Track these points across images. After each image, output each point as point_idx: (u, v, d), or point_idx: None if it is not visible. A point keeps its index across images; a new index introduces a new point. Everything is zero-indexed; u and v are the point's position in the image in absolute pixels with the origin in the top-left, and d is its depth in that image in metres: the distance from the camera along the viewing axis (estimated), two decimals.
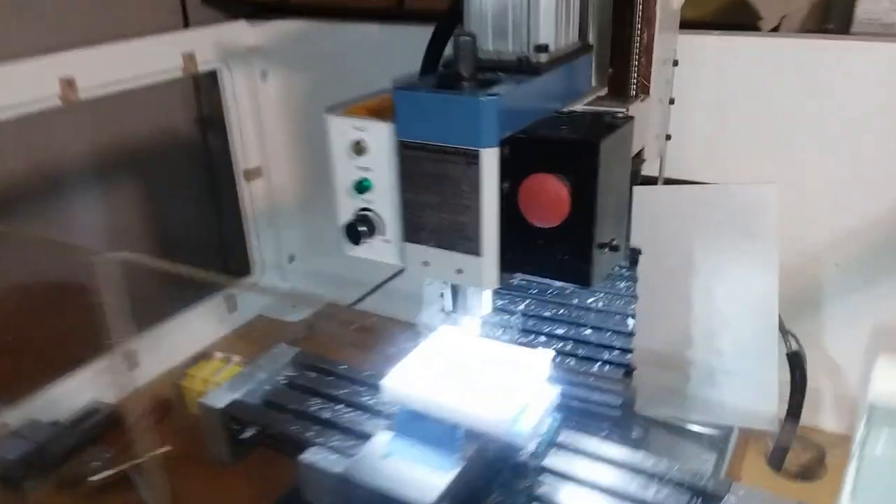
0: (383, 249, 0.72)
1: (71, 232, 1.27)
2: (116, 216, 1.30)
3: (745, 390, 1.00)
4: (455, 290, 0.74)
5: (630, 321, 0.86)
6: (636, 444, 0.99)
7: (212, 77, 1.27)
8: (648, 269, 0.88)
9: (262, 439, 0.87)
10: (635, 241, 0.86)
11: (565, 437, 0.81)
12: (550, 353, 0.76)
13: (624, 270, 0.86)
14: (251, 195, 1.37)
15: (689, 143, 0.99)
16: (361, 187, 0.70)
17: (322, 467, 0.76)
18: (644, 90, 0.82)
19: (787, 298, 0.94)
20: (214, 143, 1.33)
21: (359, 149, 0.68)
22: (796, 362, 0.96)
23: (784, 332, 0.95)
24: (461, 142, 0.62)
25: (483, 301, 0.74)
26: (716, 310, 0.99)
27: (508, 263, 0.67)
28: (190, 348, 1.28)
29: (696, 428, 1.05)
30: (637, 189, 0.88)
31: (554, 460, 0.78)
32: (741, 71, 0.98)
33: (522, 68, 0.68)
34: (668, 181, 0.97)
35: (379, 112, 0.68)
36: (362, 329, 1.31)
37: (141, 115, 1.26)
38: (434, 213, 0.66)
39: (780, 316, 0.94)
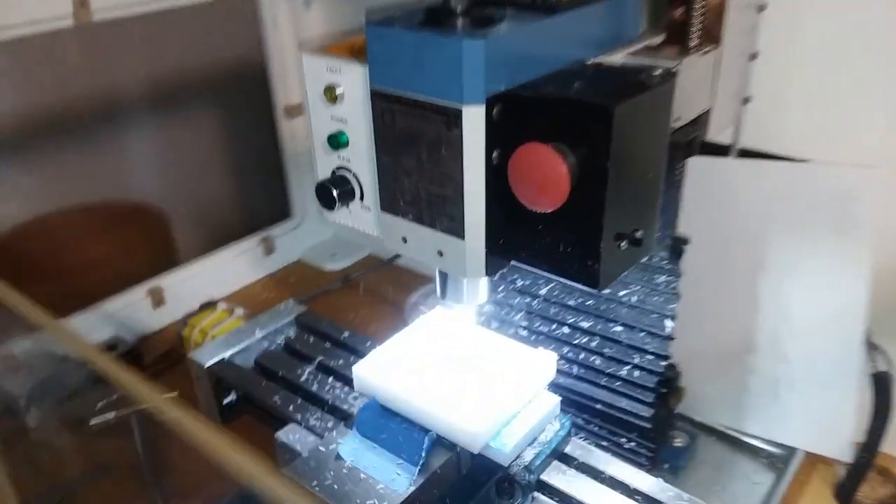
0: (362, 217, 0.61)
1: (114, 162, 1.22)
2: (156, 148, 1.25)
3: (816, 409, 0.86)
4: (444, 273, 0.62)
5: (668, 322, 0.72)
6: (679, 453, 0.87)
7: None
8: (701, 258, 0.73)
9: (244, 406, 0.80)
10: (685, 225, 0.72)
11: (574, 448, 0.69)
12: (554, 354, 0.64)
13: (664, 263, 0.71)
14: (292, 133, 1.28)
15: (777, 108, 0.82)
16: (336, 142, 0.59)
17: (295, 449, 0.69)
18: (712, 40, 0.66)
19: (879, 307, 0.79)
20: (254, 76, 1.24)
21: (332, 95, 0.57)
22: (882, 384, 0.81)
23: (871, 346, 0.80)
24: (440, 95, 0.50)
25: (478, 288, 0.62)
26: (788, 313, 0.84)
27: (501, 248, 0.55)
28: (220, 290, 1.23)
29: (753, 441, 0.90)
30: (693, 161, 0.73)
31: (554, 476, 0.66)
32: (851, 23, 0.79)
33: (537, 5, 0.54)
34: (743, 153, 0.81)
35: (362, 52, 0.56)
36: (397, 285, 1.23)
37: (177, 41, 1.17)
38: (411, 180, 0.55)
39: (868, 327, 0.80)
